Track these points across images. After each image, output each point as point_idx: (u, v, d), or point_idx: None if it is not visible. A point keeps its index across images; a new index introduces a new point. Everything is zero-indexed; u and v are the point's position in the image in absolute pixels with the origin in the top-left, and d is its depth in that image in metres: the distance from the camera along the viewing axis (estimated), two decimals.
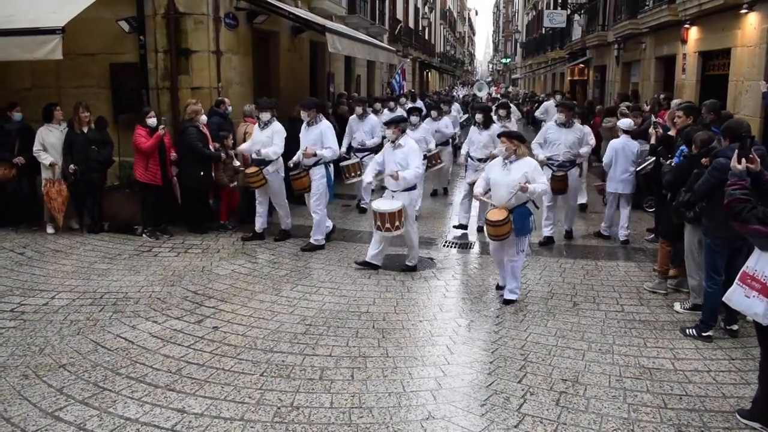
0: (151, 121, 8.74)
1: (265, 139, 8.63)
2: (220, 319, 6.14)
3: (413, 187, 7.72)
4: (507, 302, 6.66)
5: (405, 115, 11.21)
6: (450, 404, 4.63)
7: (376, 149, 10.52)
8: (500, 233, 6.52)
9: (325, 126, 8.56)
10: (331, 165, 8.75)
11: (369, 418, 4.43)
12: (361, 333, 5.87)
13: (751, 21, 9.95)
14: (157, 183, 8.77)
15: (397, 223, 7.34)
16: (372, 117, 11.42)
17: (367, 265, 7.72)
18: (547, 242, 8.95)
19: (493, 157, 9.22)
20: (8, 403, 4.53)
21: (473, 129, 9.88)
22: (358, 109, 11.24)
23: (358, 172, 10.19)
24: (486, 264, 8.21)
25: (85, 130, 8.94)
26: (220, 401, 4.61)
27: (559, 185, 8.78)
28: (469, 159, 9.80)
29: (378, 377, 5.02)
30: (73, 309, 6.32)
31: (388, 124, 7.81)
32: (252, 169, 8.65)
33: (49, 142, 8.85)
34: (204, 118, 9.06)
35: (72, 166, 8.80)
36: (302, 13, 12.62)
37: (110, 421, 4.31)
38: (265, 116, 8.73)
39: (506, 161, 6.65)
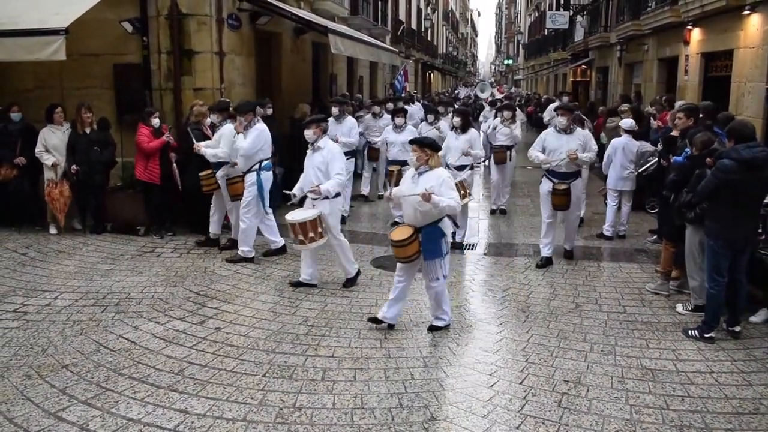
0: (155, 121, 8.76)
1: (213, 142, 8.27)
2: (223, 320, 6.15)
3: (335, 195, 6.86)
4: (432, 328, 5.96)
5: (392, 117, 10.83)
6: (452, 405, 4.63)
7: (352, 152, 10.49)
8: (406, 255, 5.71)
9: (257, 130, 7.83)
10: (270, 171, 8.04)
11: (371, 419, 4.43)
12: (363, 334, 5.88)
13: (754, 22, 9.95)
14: (155, 182, 8.79)
15: (311, 234, 6.57)
16: (349, 118, 10.71)
17: (301, 285, 7.09)
18: (545, 264, 8.03)
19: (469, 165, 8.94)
20: (11, 403, 4.55)
21: (450, 134, 9.30)
22: (335, 110, 10.49)
23: None
24: (489, 265, 8.21)
25: (88, 130, 8.96)
26: (223, 402, 4.62)
27: (561, 200, 7.89)
28: (446, 167, 9.09)
29: (380, 378, 5.03)
30: (75, 309, 6.33)
31: (306, 123, 7.07)
32: (205, 172, 8.30)
33: (51, 144, 8.88)
34: (209, 120, 9.06)
35: (74, 166, 8.82)
36: (305, 14, 12.64)
37: (113, 422, 4.32)
38: (215, 118, 8.41)
39: (416, 172, 5.82)
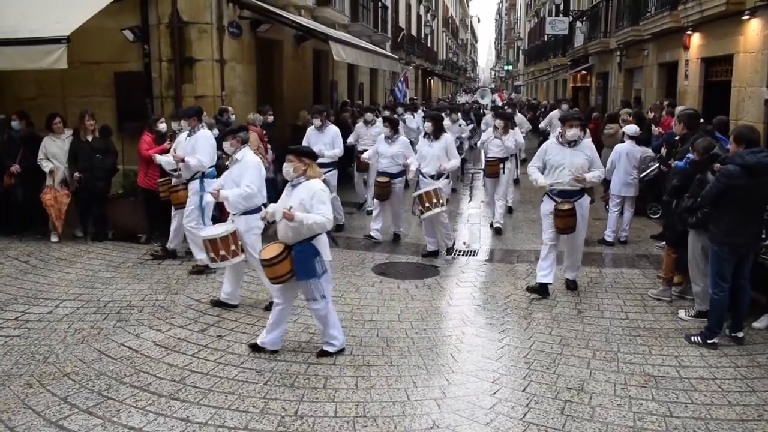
0: (162, 126, 8.78)
1: (189, 149, 7.73)
2: (224, 328, 6.14)
3: (254, 210, 6.36)
4: (322, 353, 5.52)
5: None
6: (454, 413, 4.61)
7: (336, 163, 9.86)
8: (276, 274, 5.29)
9: (203, 137, 7.66)
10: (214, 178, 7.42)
11: (373, 427, 4.42)
12: (365, 341, 5.86)
13: (754, 27, 9.95)
14: (155, 189, 8.79)
15: (222, 252, 6.20)
16: (332, 128, 9.94)
17: (221, 305, 6.67)
18: (540, 290, 7.07)
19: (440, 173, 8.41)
20: (12, 412, 4.53)
21: (422, 140, 8.87)
22: (316, 121, 9.80)
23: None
24: (491, 272, 8.20)
25: (90, 138, 8.98)
26: (224, 410, 4.61)
27: (566, 222, 6.94)
28: (420, 175, 8.66)
29: (382, 386, 5.01)
30: (77, 317, 6.33)
31: (224, 134, 6.70)
32: (163, 179, 8.19)
33: (50, 152, 8.93)
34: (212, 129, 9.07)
35: (76, 174, 8.84)
36: (305, 21, 12.68)
37: (114, 431, 4.31)
38: (175, 125, 8.20)
39: (290, 185, 5.41)
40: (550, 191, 7.11)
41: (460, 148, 12.33)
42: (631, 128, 9.34)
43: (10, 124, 9.09)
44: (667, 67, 15.10)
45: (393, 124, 9.29)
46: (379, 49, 17.55)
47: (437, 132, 8.61)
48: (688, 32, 12.63)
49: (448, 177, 8.89)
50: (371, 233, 9.38)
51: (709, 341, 5.75)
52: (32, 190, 9.07)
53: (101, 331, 6.02)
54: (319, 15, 14.93)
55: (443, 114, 13.03)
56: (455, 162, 8.85)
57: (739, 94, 10.46)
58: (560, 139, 7.14)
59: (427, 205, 8.20)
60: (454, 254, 8.82)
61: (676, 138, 7.97)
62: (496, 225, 10.22)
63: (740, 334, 5.86)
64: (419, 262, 8.47)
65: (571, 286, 7.36)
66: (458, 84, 68.71)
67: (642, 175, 9.16)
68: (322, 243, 5.37)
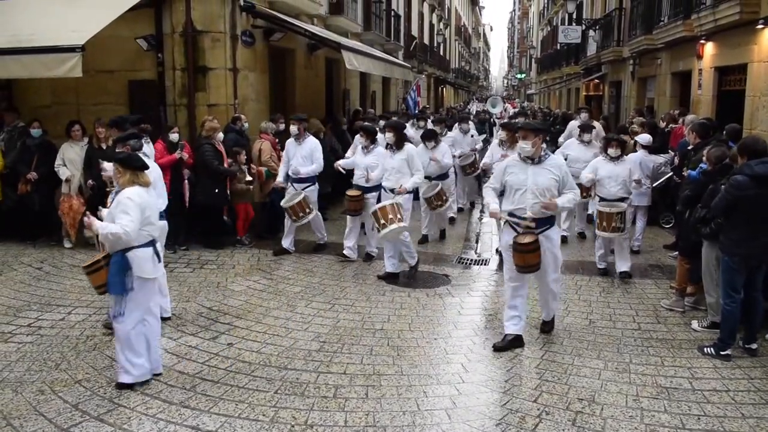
0: (174, 136, 8.87)
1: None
2: (235, 336, 6.16)
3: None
4: (119, 386, 5.01)
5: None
6: (465, 423, 4.59)
7: (315, 178, 9.04)
8: (94, 284, 5.13)
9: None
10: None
11: None
12: (376, 350, 5.86)
13: None
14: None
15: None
16: (310, 139, 9.08)
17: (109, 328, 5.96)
18: (508, 346, 5.89)
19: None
20: (24, 418, 4.56)
21: (384, 152, 8.28)
22: (293, 128, 9.00)
23: (307, 210, 8.69)
24: (502, 281, 8.15)
25: (104, 146, 9.05)
26: (234, 419, 4.61)
27: (526, 258, 5.75)
28: (382, 189, 8.18)
29: (392, 395, 5.00)
30: (89, 324, 6.36)
31: (115, 141, 6.30)
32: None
33: (68, 158, 9.05)
34: (221, 135, 9.14)
35: (90, 181, 8.92)
36: (318, 30, 12.73)
37: None
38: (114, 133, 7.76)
39: (114, 191, 5.20)
40: (510, 215, 5.91)
41: (475, 162, 11.84)
42: (645, 138, 9.33)
43: (28, 132, 9.19)
44: (680, 76, 15.03)
45: (369, 134, 8.52)
46: (391, 58, 17.60)
47: (398, 142, 8.08)
48: (702, 41, 12.57)
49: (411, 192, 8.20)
50: (344, 251, 8.75)
51: (722, 353, 5.70)
52: (47, 197, 9.16)
53: (113, 338, 6.03)
54: (331, 24, 15.00)
55: (464, 123, 12.63)
56: (416, 178, 8.09)
57: (753, 104, 10.39)
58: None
59: (382, 221, 7.55)
60: (415, 273, 8.10)
61: (689, 147, 7.94)
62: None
63: (754, 346, 5.81)
64: (431, 271, 8.45)
65: (545, 328, 6.34)
66: (471, 92, 68.70)
67: (655, 184, 9.13)
68: (139, 258, 4.98)
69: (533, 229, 5.77)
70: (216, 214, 9.37)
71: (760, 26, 9.95)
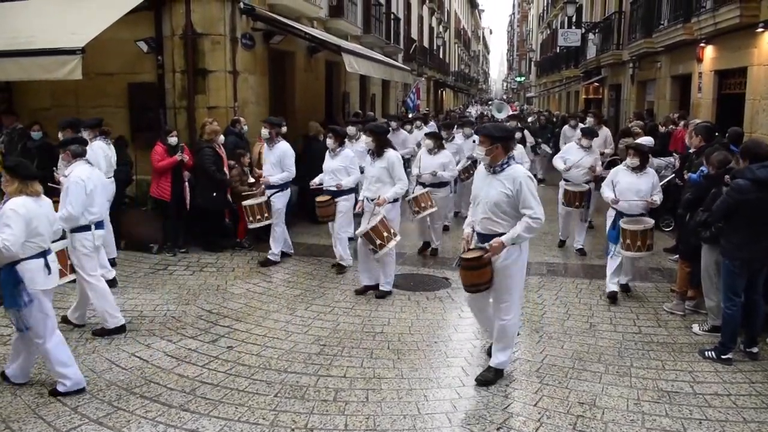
0: (173, 139, 8.85)
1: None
2: (235, 339, 6.14)
3: (83, 228, 6.01)
4: (52, 393, 4.95)
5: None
6: (465, 427, 4.58)
7: (286, 185, 8.69)
8: None
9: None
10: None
11: None
12: (376, 354, 5.84)
13: (767, 40, 9.91)
14: (166, 199, 8.84)
15: (60, 268, 5.42)
16: (281, 144, 8.59)
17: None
18: (494, 379, 5.25)
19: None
20: (23, 421, 4.55)
21: (367, 158, 7.63)
22: (264, 131, 8.61)
23: (265, 215, 8.46)
24: None
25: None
26: (234, 422, 4.59)
27: (470, 277, 5.12)
28: (365, 201, 7.50)
29: (393, 399, 4.98)
30: (88, 327, 6.34)
31: (58, 146, 6.22)
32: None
33: None
34: (222, 138, 9.13)
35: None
36: (318, 33, 12.74)
37: None
38: (86, 134, 7.74)
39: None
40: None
41: (470, 168, 10.60)
42: (646, 141, 9.31)
43: (28, 134, 9.18)
44: (680, 79, 15.05)
45: (337, 136, 8.21)
46: (391, 61, 17.60)
47: (379, 149, 7.36)
48: (702, 44, 12.58)
49: (395, 201, 7.49)
50: (339, 261, 8.42)
51: (723, 356, 5.68)
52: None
53: (112, 341, 6.03)
54: (331, 26, 15.02)
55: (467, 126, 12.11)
56: (398, 188, 7.36)
57: (754, 107, 10.40)
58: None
59: (379, 242, 7.07)
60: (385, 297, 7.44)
61: (691, 150, 7.93)
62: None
63: (755, 350, 5.80)
64: (431, 274, 8.44)
65: (480, 378, 5.26)
66: (470, 95, 68.76)
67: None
68: (30, 270, 4.79)
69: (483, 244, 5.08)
70: (216, 216, 9.36)
71: (760, 29, 9.96)
